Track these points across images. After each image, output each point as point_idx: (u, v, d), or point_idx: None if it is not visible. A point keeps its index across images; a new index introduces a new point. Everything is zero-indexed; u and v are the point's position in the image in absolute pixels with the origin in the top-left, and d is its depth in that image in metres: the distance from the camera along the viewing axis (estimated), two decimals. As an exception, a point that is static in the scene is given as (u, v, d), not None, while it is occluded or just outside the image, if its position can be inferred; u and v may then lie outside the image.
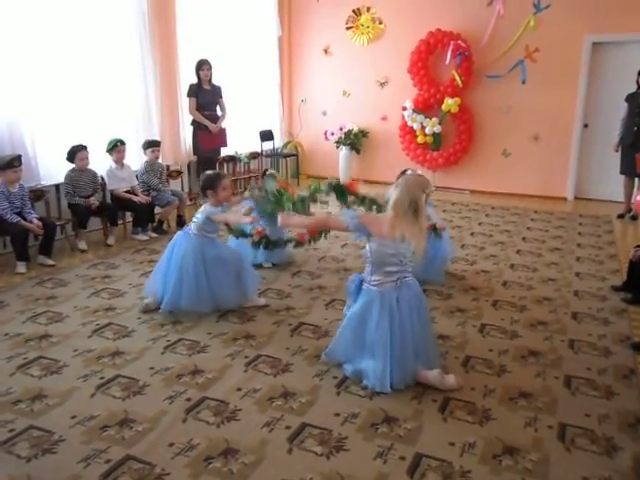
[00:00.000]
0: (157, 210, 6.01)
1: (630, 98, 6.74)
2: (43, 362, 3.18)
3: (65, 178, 5.32)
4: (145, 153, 6.00)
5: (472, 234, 6.11)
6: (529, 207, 7.49)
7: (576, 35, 7.44)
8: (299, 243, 4.73)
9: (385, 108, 8.68)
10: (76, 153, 5.27)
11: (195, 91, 6.77)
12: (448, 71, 7.96)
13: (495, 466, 2.35)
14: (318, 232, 4.68)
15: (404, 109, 8.25)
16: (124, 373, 3.07)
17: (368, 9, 8.58)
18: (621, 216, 6.92)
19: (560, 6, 7.38)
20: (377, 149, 8.91)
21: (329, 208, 4.80)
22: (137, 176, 5.96)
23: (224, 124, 7.10)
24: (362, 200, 4.67)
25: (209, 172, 4.06)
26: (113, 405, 2.76)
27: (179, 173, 6.89)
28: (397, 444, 2.48)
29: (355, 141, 8.75)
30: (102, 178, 5.65)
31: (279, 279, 4.59)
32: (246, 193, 4.92)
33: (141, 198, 5.70)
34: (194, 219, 3.91)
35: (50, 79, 5.47)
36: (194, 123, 6.91)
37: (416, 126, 8.17)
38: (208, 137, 6.89)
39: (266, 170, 5.25)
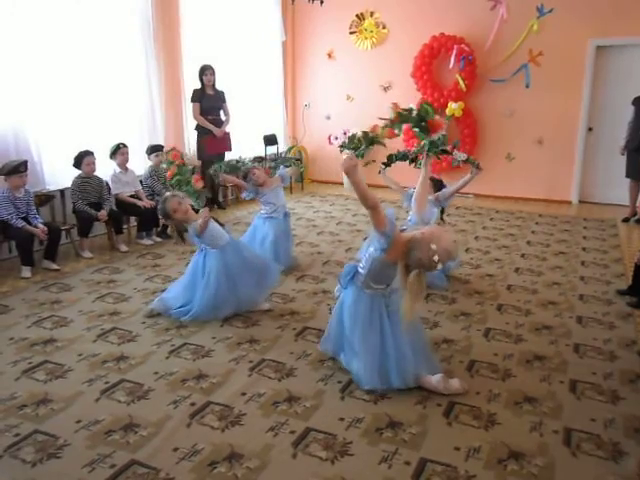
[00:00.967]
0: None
1: (637, 102, 6.72)
2: (48, 366, 3.19)
3: (72, 184, 5.32)
4: (149, 158, 6.01)
5: (476, 238, 6.10)
6: (533, 211, 7.48)
7: (580, 39, 7.44)
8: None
9: (389, 112, 8.67)
10: (83, 158, 5.27)
11: (199, 96, 6.80)
12: (452, 75, 7.96)
13: (500, 471, 2.34)
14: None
15: (408, 113, 8.24)
16: (129, 378, 3.07)
17: (372, 14, 8.60)
18: (626, 220, 6.90)
19: (563, 10, 7.38)
20: (381, 153, 8.88)
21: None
22: (141, 181, 5.97)
23: (228, 129, 7.12)
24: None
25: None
26: (118, 410, 2.76)
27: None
28: (402, 449, 2.47)
29: (359, 145, 8.74)
30: (107, 184, 5.66)
31: (283, 283, 4.59)
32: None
33: (145, 203, 5.71)
34: None
35: (55, 85, 5.49)
36: (198, 128, 6.94)
37: (420, 130, 8.16)
38: (212, 142, 6.92)
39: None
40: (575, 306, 4.18)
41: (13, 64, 5.06)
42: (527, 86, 7.76)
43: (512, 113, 8.01)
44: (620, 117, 7.13)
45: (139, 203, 5.67)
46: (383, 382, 2.88)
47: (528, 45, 7.68)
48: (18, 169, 4.70)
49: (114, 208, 5.61)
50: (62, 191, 5.56)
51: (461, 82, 7.80)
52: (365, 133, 3.89)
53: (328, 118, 9.22)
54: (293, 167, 5.49)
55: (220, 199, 7.61)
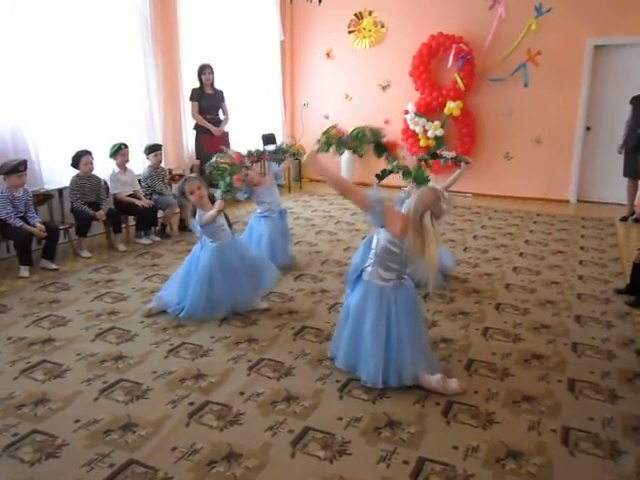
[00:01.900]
0: (160, 214, 6.03)
1: (635, 101, 6.73)
2: (46, 366, 3.19)
3: (70, 184, 5.31)
4: (148, 158, 6.00)
5: (474, 237, 6.10)
6: (532, 210, 7.49)
7: (578, 38, 7.44)
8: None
9: (387, 112, 8.68)
10: (80, 158, 5.26)
11: (197, 95, 6.79)
12: (450, 74, 7.96)
13: (499, 470, 2.34)
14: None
15: (406, 112, 8.25)
16: (127, 377, 3.07)
17: (370, 13, 8.60)
18: (624, 219, 6.91)
19: (562, 9, 7.38)
20: (379, 153, 8.90)
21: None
22: (139, 180, 5.97)
23: (227, 128, 7.12)
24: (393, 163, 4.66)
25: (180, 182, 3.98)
26: (116, 409, 2.76)
27: (182, 177, 6.88)
28: (400, 448, 2.47)
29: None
30: (105, 183, 5.65)
31: (282, 283, 4.58)
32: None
33: (144, 202, 5.71)
34: None
35: (53, 84, 5.49)
36: (197, 127, 6.93)
37: (418, 129, 8.17)
38: (211, 141, 6.90)
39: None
40: (573, 305, 4.18)
41: (11, 63, 5.05)
42: (525, 85, 7.76)
43: (510, 112, 8.02)
44: (618, 116, 7.14)
45: (138, 202, 5.67)
46: (384, 380, 2.88)
47: (526, 44, 7.68)
48: (17, 168, 4.70)
49: (112, 207, 5.60)
50: (60, 190, 5.55)
51: (459, 81, 7.80)
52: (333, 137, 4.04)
53: (327, 117, 9.22)
54: (289, 159, 5.45)
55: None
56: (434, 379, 2.88)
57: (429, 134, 8.10)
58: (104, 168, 5.66)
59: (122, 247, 5.50)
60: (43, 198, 5.34)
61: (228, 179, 4.06)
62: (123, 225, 5.75)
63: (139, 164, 6.15)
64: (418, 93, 8.27)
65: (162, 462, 2.36)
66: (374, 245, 2.91)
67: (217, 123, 6.95)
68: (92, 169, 5.38)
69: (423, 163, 4.69)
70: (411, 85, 8.31)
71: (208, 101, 6.85)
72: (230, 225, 4.00)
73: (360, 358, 2.95)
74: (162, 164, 6.20)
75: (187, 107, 6.90)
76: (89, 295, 4.31)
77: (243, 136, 7.94)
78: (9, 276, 4.69)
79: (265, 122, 8.65)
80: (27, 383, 3.01)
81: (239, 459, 2.39)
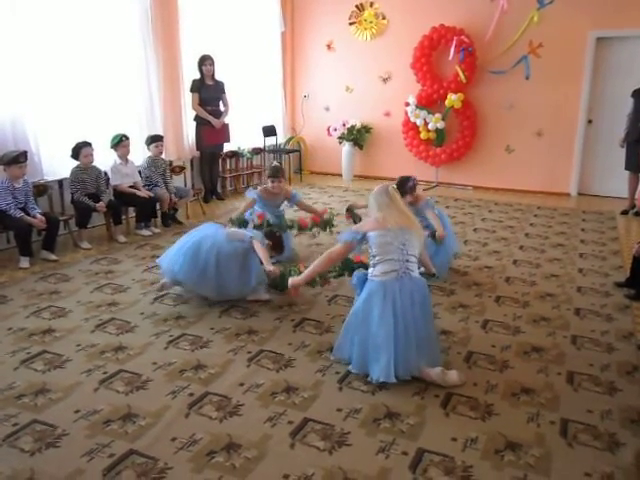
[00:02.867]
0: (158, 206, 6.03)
1: (636, 94, 6.71)
2: (46, 357, 3.19)
3: (70, 175, 5.31)
4: (149, 148, 5.99)
5: (475, 230, 6.10)
6: (532, 203, 7.47)
7: (580, 30, 7.40)
8: (302, 228, 4.79)
9: (388, 104, 8.66)
10: (80, 150, 5.25)
11: (198, 86, 6.77)
12: (451, 67, 7.93)
13: (497, 461, 2.35)
14: (321, 220, 4.86)
15: (407, 105, 8.22)
16: (127, 368, 3.07)
17: (371, 4, 8.55)
18: (625, 212, 6.90)
19: (564, 1, 7.34)
20: (380, 145, 8.89)
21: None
22: (140, 171, 5.96)
23: (227, 119, 7.10)
24: None
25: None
26: (116, 400, 2.77)
27: (182, 169, 6.89)
28: (399, 439, 2.48)
29: (358, 137, 8.74)
30: (105, 174, 5.64)
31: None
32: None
33: (144, 193, 5.70)
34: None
35: (53, 75, 5.47)
36: (197, 119, 6.92)
37: (419, 122, 8.14)
38: (211, 133, 6.90)
39: (275, 169, 4.89)
40: (573, 298, 4.19)
41: (12, 55, 5.03)
42: (527, 78, 7.74)
43: (512, 105, 7.99)
44: (620, 109, 7.11)
45: (138, 193, 5.66)
46: (395, 374, 2.85)
47: (528, 37, 7.65)
48: (18, 159, 4.69)
49: (112, 199, 5.59)
50: (60, 181, 5.55)
51: (461, 73, 7.77)
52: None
53: (327, 109, 9.19)
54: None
55: (219, 190, 7.60)
56: (434, 372, 2.89)
57: (430, 126, 8.08)
58: (105, 159, 5.65)
59: (122, 238, 5.50)
60: (43, 189, 5.33)
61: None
62: (123, 217, 5.74)
63: (139, 155, 6.14)
64: (419, 85, 8.24)
65: (162, 452, 2.37)
66: (371, 249, 2.96)
67: (217, 115, 6.93)
68: (92, 161, 5.37)
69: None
70: (412, 77, 8.28)
71: (208, 92, 6.84)
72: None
73: (370, 356, 2.92)
74: (163, 155, 6.19)
75: (187, 98, 6.89)
76: (89, 286, 4.31)
77: (243, 128, 7.94)
78: (9, 267, 4.70)
79: (265, 114, 8.63)
80: (27, 373, 3.02)
81: (238, 450, 2.39)
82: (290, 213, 5.55)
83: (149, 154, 6.00)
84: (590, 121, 7.75)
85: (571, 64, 7.56)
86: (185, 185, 6.92)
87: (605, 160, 7.69)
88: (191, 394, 2.82)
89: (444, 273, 4.50)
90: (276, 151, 8.80)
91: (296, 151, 9.21)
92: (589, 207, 7.27)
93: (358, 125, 8.74)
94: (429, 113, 8.07)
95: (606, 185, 7.80)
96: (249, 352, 3.27)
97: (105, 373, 3.02)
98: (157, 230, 5.87)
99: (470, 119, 8.05)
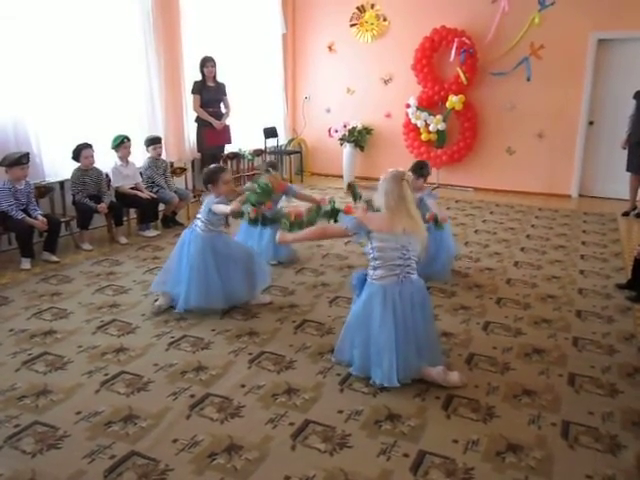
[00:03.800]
0: (161, 207, 6.03)
1: (638, 95, 6.70)
2: (48, 358, 3.20)
3: (71, 177, 5.31)
4: (148, 150, 6.00)
5: (476, 232, 6.10)
6: (533, 205, 7.47)
7: (581, 32, 7.40)
8: (297, 219, 4.63)
9: (389, 105, 8.66)
10: (81, 151, 5.25)
11: (199, 88, 6.77)
12: (452, 68, 7.93)
13: (498, 463, 2.35)
14: (324, 209, 4.70)
15: (408, 106, 8.23)
16: (128, 369, 3.08)
17: (372, 6, 8.55)
18: (626, 214, 6.90)
19: (565, 3, 7.34)
20: (381, 146, 8.90)
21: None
22: (141, 173, 5.96)
23: (228, 121, 7.10)
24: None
25: (211, 166, 4.06)
26: (117, 401, 2.77)
27: (183, 170, 6.89)
28: (400, 441, 2.48)
29: (359, 138, 8.74)
30: (107, 175, 5.65)
31: (283, 276, 4.59)
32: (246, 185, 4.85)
33: (146, 194, 5.71)
34: (198, 215, 3.90)
35: (54, 76, 5.47)
36: (198, 120, 6.92)
37: (420, 123, 8.15)
38: (212, 134, 6.90)
39: (270, 164, 5.05)
40: (574, 300, 4.18)
41: (13, 56, 5.04)
42: (528, 79, 7.74)
43: (513, 106, 7.99)
44: (621, 111, 7.11)
45: (140, 195, 5.67)
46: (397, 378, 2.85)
47: (529, 38, 7.65)
48: (20, 161, 4.70)
49: (114, 200, 5.60)
50: (62, 183, 5.55)
51: (462, 75, 7.77)
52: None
53: (328, 111, 9.19)
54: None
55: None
56: (435, 371, 2.89)
57: (431, 128, 8.08)
58: (106, 160, 5.66)
59: (123, 240, 5.50)
60: (44, 190, 5.33)
61: (254, 198, 4.03)
62: (124, 218, 5.75)
63: (140, 157, 6.14)
64: (420, 87, 8.24)
65: (163, 454, 2.37)
66: (371, 252, 2.91)
67: (219, 116, 6.93)
68: (93, 162, 5.37)
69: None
70: (413, 79, 8.29)
71: (210, 94, 6.84)
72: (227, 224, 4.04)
73: (372, 360, 2.91)
74: (163, 157, 6.19)
75: (189, 100, 6.89)
76: (90, 288, 4.31)
77: (245, 129, 7.94)
78: (11, 268, 4.70)
79: (267, 115, 8.63)
80: (29, 375, 3.02)
81: (240, 451, 2.39)
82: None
83: (149, 155, 6.00)
84: (591, 123, 7.75)
85: (572, 66, 7.56)
86: (186, 187, 6.92)
87: (606, 162, 7.69)
88: (192, 395, 2.82)
89: (446, 275, 4.50)
90: (277, 152, 8.80)
91: (297, 152, 9.21)
92: (590, 209, 7.27)
93: (359, 127, 8.74)
94: (430, 115, 8.07)
95: (607, 187, 7.79)
96: (250, 353, 3.27)
97: (106, 374, 3.02)
98: (158, 232, 5.87)
99: (471, 121, 8.06)
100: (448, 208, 7.10)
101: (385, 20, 8.54)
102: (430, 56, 8.06)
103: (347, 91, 9.00)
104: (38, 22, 5.23)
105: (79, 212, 5.33)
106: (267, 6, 8.41)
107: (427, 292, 3.03)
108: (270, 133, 8.55)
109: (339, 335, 3.15)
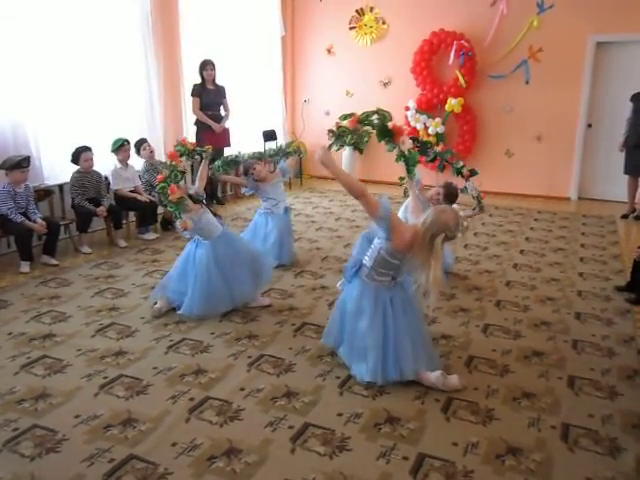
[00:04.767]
0: (160, 210, 6.03)
1: (635, 98, 6.72)
2: (47, 361, 3.19)
3: (71, 180, 5.31)
4: (140, 155, 5.95)
5: (475, 234, 6.10)
6: (532, 207, 7.48)
7: (580, 35, 7.42)
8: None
9: (388, 108, 8.64)
10: (80, 154, 5.25)
11: (199, 91, 6.78)
12: (451, 71, 7.95)
13: (498, 466, 2.34)
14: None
15: (407, 109, 8.24)
16: (127, 373, 3.07)
17: (371, 9, 8.58)
18: (625, 216, 6.91)
19: (564, 6, 7.37)
20: (380, 149, 8.83)
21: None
22: (139, 176, 5.96)
23: (227, 124, 7.11)
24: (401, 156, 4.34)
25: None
26: (116, 405, 2.76)
27: (182, 173, 6.87)
28: (400, 444, 2.47)
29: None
30: (106, 178, 5.65)
31: (282, 279, 4.59)
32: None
33: (145, 197, 5.71)
34: None
35: (53, 79, 5.48)
36: (197, 123, 6.93)
37: (419, 126, 8.16)
38: (211, 137, 6.89)
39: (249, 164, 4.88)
40: (573, 302, 4.18)
41: (12, 59, 5.04)
42: (527, 82, 7.76)
43: (512, 109, 8.01)
44: (619, 114, 7.13)
45: (139, 198, 5.67)
46: (383, 376, 2.88)
47: (528, 41, 7.67)
48: (21, 164, 4.70)
49: (113, 203, 5.60)
50: (61, 186, 5.55)
51: (461, 78, 7.79)
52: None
53: (327, 114, 9.20)
54: (293, 156, 5.36)
55: (219, 194, 7.60)
56: (434, 375, 2.88)
57: (430, 131, 8.09)
58: (105, 164, 5.66)
59: (123, 243, 5.50)
60: (44, 194, 5.33)
61: (169, 204, 3.80)
62: (124, 221, 5.75)
63: (139, 160, 6.14)
64: (419, 90, 8.26)
65: (162, 457, 2.37)
66: (373, 246, 2.90)
67: (218, 119, 6.94)
68: (92, 165, 5.37)
69: (414, 146, 4.54)
70: (412, 82, 8.30)
71: (209, 97, 6.85)
72: (218, 215, 3.98)
73: (354, 356, 2.97)
74: (155, 157, 6.13)
75: (188, 103, 6.90)
76: (89, 291, 4.31)
77: (244, 132, 7.94)
78: (10, 271, 4.70)
79: (266, 118, 8.64)
80: (27, 378, 3.01)
81: (239, 455, 2.39)
82: (291, 212, 5.49)
83: (144, 159, 5.98)
84: (590, 125, 7.77)
85: (571, 68, 7.58)
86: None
87: (605, 164, 7.71)
88: (191, 399, 2.82)
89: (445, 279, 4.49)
90: (278, 152, 8.78)
91: (299, 157, 9.20)
92: (589, 211, 7.28)
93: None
94: (429, 117, 8.09)
95: (606, 189, 7.81)
96: (249, 357, 3.27)
97: (105, 378, 3.01)
98: (157, 235, 5.87)
99: (470, 123, 8.07)
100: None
101: (384, 23, 8.56)
102: (429, 59, 8.08)
103: (346, 94, 9.01)
104: (37, 25, 5.24)
105: (78, 215, 5.32)
106: (266, 9, 8.43)
107: (413, 294, 3.03)
108: (269, 136, 8.55)
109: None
